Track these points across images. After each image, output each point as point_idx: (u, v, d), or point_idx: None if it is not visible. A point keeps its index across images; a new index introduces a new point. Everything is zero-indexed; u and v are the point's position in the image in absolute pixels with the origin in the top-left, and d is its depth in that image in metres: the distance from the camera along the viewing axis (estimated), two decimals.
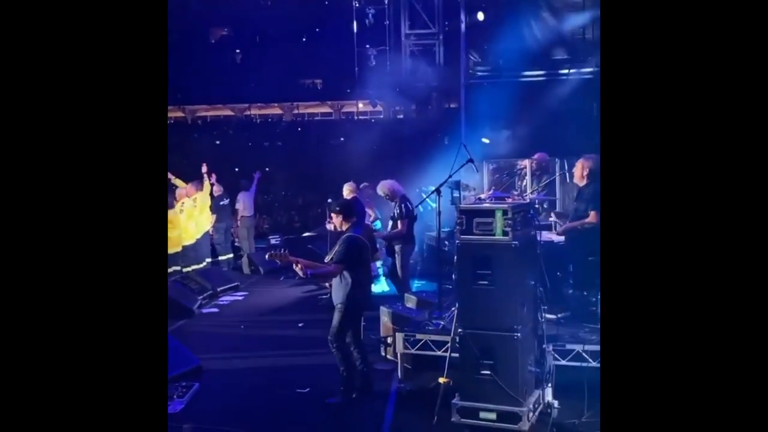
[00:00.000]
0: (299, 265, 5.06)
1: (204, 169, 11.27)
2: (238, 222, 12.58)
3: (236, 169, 19.12)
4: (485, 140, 12.25)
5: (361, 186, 9.21)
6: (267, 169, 24.02)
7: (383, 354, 6.31)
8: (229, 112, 34.83)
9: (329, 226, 5.40)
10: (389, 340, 6.22)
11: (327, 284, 5.86)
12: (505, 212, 4.35)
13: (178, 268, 10.29)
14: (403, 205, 7.91)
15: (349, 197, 7.98)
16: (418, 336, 5.52)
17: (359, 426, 4.82)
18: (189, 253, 10.51)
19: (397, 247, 8.20)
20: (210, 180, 11.30)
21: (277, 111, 34.98)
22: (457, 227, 4.51)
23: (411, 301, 7.05)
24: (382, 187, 8.04)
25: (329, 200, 5.62)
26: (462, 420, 4.46)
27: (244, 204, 12.47)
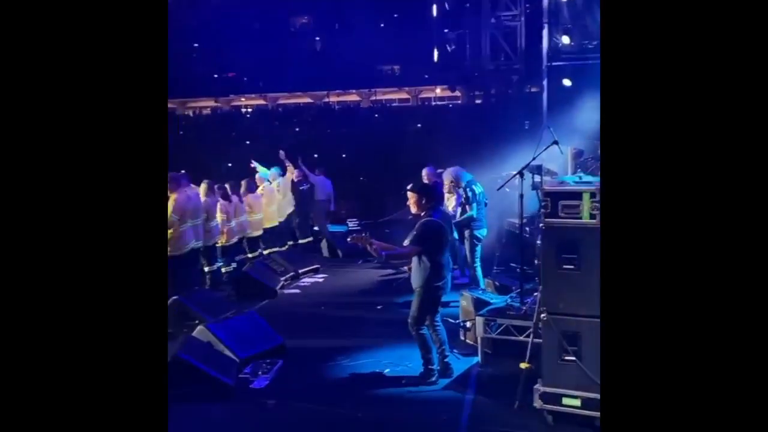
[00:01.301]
0: (373, 246, 5.10)
1: (282, 155, 11.63)
2: (317, 206, 12.80)
3: (315, 156, 19.44)
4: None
5: (439, 171, 9.17)
6: (344, 155, 24.31)
7: (462, 338, 6.29)
8: (308, 100, 35.43)
9: (412, 209, 5.40)
10: (469, 324, 6.18)
11: (406, 268, 5.87)
12: (593, 195, 4.21)
13: (261, 250, 10.61)
14: (468, 190, 7.86)
15: (428, 182, 7.97)
16: (499, 320, 5.45)
17: (439, 409, 4.82)
18: (271, 235, 10.79)
19: (466, 233, 8.15)
20: (290, 165, 11.65)
21: (355, 98, 35.30)
22: (542, 210, 4.41)
23: (491, 286, 6.98)
24: (447, 175, 8.04)
25: (409, 185, 5.60)
26: (544, 406, 4.39)
27: (321, 189, 12.67)
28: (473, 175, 8.46)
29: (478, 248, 8.28)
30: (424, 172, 8.80)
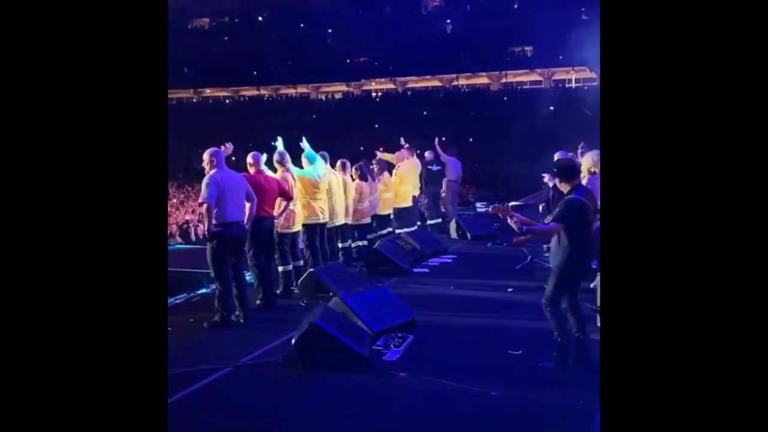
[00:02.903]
0: (514, 219, 5.00)
1: (402, 141, 11.58)
2: (445, 187, 12.81)
3: (443, 138, 19.45)
4: None
5: (570, 155, 8.83)
6: (471, 139, 24.06)
7: (599, 325, 6.05)
8: (437, 83, 35.40)
9: (550, 183, 5.26)
10: None
11: (545, 247, 5.73)
12: None
13: (391, 229, 10.79)
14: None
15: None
16: None
17: (573, 394, 4.67)
18: (401, 215, 10.94)
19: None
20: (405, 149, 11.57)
21: (485, 80, 34.79)
22: None
23: None
24: (588, 159, 7.66)
25: (555, 160, 5.44)
26: None
27: (451, 170, 12.65)
28: None
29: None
30: (557, 156, 8.52)
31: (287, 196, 7.42)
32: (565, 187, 5.15)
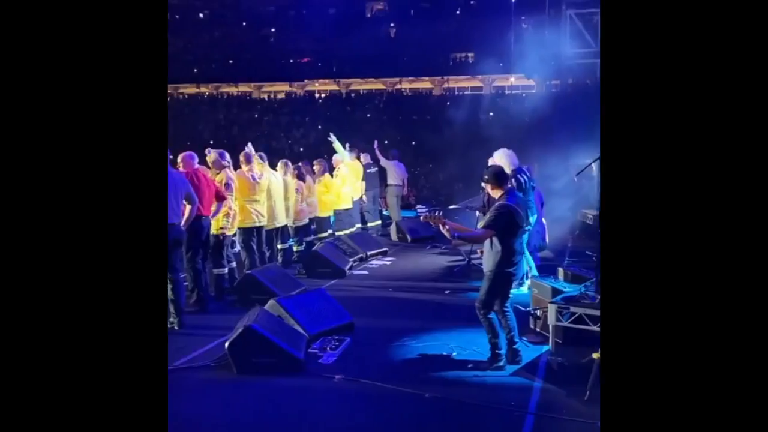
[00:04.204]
0: (446, 227, 5.06)
1: (356, 152, 11.84)
2: (386, 190, 12.87)
3: (385, 141, 19.50)
4: None
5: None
6: (414, 142, 24.24)
7: (533, 327, 6.20)
8: (380, 86, 35.54)
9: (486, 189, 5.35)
10: (539, 312, 6.08)
11: (479, 252, 5.81)
12: None
13: (332, 231, 10.75)
14: (513, 180, 7.69)
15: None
16: (573, 309, 5.33)
17: (506, 395, 4.77)
18: (342, 217, 10.92)
19: None
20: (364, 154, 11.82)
21: (428, 85, 35.15)
22: None
23: (564, 275, 6.83)
24: (496, 157, 7.83)
25: (486, 168, 5.52)
26: None
27: (392, 173, 12.71)
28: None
29: (525, 236, 8.07)
30: (490, 162, 8.65)
31: (221, 197, 7.28)
32: (496, 193, 5.25)
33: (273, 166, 9.11)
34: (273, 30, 37.42)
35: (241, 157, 8.09)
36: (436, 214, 5.13)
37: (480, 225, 5.34)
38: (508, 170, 7.73)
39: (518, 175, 7.56)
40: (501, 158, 7.55)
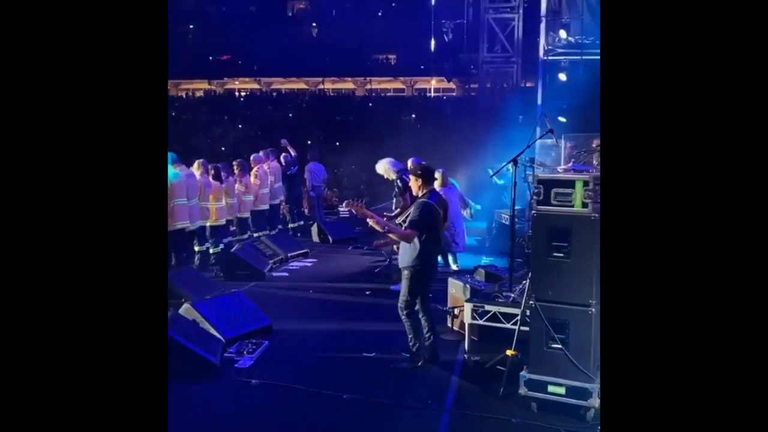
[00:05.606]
0: (374, 219, 5.09)
1: (284, 143, 11.82)
2: (308, 191, 12.76)
3: (308, 142, 19.37)
4: (562, 119, 11.93)
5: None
6: (337, 143, 24.20)
7: (449, 325, 6.30)
8: (303, 86, 35.27)
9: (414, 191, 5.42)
10: (456, 311, 6.19)
11: (395, 248, 5.85)
12: (586, 183, 4.21)
13: (251, 232, 10.57)
14: (398, 181, 7.98)
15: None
16: (487, 307, 5.45)
17: (424, 393, 4.83)
18: (261, 219, 10.75)
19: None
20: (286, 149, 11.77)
21: (350, 85, 35.17)
22: (534, 197, 4.40)
23: (480, 274, 6.98)
24: (378, 167, 8.14)
25: (411, 167, 5.59)
26: (529, 393, 4.40)
27: (313, 174, 12.63)
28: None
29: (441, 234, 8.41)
30: (410, 162, 8.79)
31: None
32: (421, 190, 5.30)
33: (190, 166, 8.87)
34: (191, 27, 36.44)
35: None
36: (358, 201, 5.14)
37: (401, 221, 5.37)
38: (392, 176, 8.11)
39: (404, 176, 7.85)
40: (384, 166, 8.02)
